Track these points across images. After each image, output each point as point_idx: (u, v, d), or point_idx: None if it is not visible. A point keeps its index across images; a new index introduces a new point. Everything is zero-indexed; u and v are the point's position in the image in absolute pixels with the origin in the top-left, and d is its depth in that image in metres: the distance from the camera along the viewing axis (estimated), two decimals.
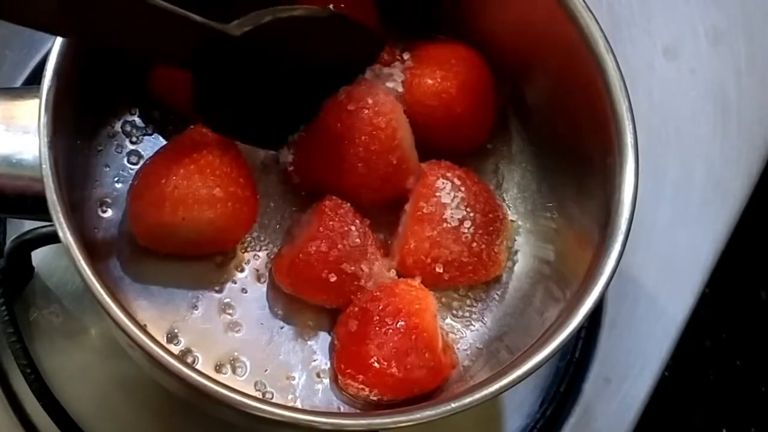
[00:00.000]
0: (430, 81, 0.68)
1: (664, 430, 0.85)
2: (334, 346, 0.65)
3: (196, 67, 0.58)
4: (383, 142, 0.65)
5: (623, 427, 0.77)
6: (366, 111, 0.64)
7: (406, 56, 0.69)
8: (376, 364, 0.62)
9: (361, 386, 0.62)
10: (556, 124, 0.67)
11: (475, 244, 0.65)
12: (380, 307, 0.63)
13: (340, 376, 0.64)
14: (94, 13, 0.52)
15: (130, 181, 0.64)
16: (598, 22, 0.62)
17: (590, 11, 0.62)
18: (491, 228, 0.66)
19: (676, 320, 0.80)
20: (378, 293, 0.64)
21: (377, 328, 0.63)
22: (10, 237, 0.70)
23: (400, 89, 0.67)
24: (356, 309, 0.64)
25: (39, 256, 0.73)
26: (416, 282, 0.65)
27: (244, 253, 0.67)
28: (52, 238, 0.66)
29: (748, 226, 0.83)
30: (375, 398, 0.62)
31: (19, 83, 0.78)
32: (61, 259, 0.74)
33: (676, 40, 0.87)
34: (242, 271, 0.66)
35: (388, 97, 0.65)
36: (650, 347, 0.79)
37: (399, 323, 0.62)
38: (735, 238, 0.82)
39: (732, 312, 0.89)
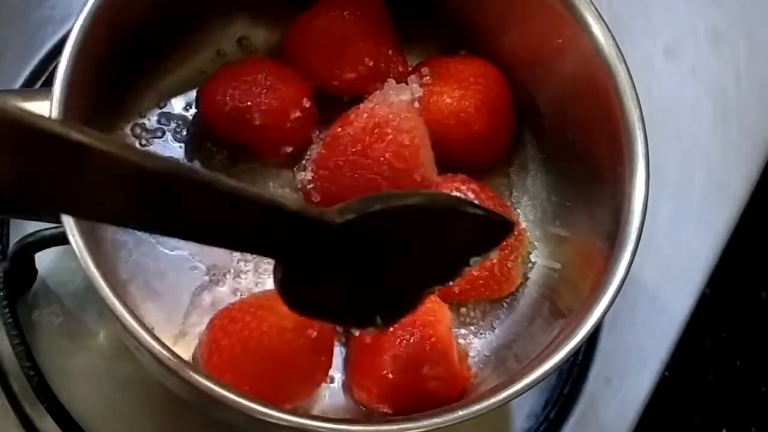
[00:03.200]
0: (448, 99, 0.68)
1: (664, 430, 0.85)
2: (348, 357, 0.65)
3: (283, 252, 0.50)
4: (408, 161, 0.64)
5: (623, 427, 0.77)
6: (390, 129, 0.64)
7: (424, 71, 0.69)
8: (390, 376, 0.62)
9: (375, 398, 0.62)
10: (567, 133, 0.68)
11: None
12: None
13: (353, 388, 0.63)
14: (176, 212, 0.44)
15: None
16: (610, 31, 0.62)
17: (603, 20, 0.62)
18: (505, 243, 0.65)
19: (676, 320, 0.80)
20: None
21: (391, 340, 0.62)
22: (14, 239, 0.70)
23: (416, 105, 0.67)
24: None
25: (40, 256, 0.72)
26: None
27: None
28: (56, 240, 0.66)
29: (748, 226, 0.83)
30: (389, 411, 0.62)
31: (19, 83, 0.77)
32: (61, 260, 0.74)
33: (676, 40, 0.87)
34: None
35: (411, 113, 0.65)
36: (650, 347, 0.79)
37: (413, 334, 0.62)
38: (735, 238, 0.82)
39: (732, 312, 0.89)
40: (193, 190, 0.43)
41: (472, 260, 0.54)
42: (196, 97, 0.70)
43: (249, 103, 0.67)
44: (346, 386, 0.65)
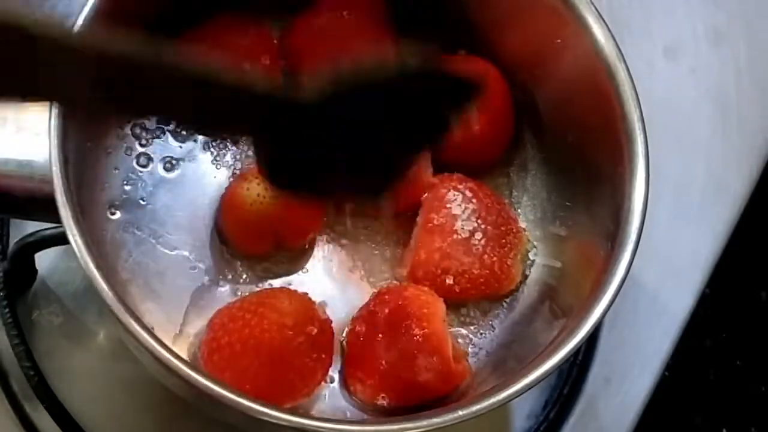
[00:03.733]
0: None
1: (664, 430, 0.85)
2: (343, 350, 0.65)
3: (258, 133, 0.52)
4: None
5: (623, 427, 0.77)
6: None
7: None
8: (384, 367, 0.62)
9: (370, 390, 0.62)
10: (567, 132, 0.68)
11: (486, 257, 0.65)
12: (388, 311, 0.63)
13: (349, 381, 0.64)
14: (155, 96, 0.48)
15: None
16: (610, 31, 0.62)
17: (603, 20, 0.62)
18: (503, 241, 0.66)
19: (676, 320, 0.80)
20: (387, 297, 0.64)
21: (385, 332, 0.62)
22: (14, 239, 0.70)
23: None
24: (365, 313, 0.64)
25: (40, 256, 0.72)
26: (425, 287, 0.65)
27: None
28: (56, 240, 0.66)
29: (748, 226, 0.83)
30: (384, 403, 0.62)
31: None
32: (61, 259, 0.74)
33: (676, 40, 0.87)
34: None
35: None
36: (650, 347, 0.79)
37: (407, 326, 0.62)
38: (735, 238, 0.82)
39: (732, 312, 0.89)
40: (163, 74, 0.46)
41: (452, 118, 0.54)
42: None
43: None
44: (343, 380, 0.65)
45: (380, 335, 0.63)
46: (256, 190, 0.64)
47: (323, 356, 0.62)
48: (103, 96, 0.47)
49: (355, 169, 0.54)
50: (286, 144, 0.52)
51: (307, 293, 0.65)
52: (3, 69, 0.44)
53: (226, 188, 0.67)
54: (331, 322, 0.64)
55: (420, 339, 0.62)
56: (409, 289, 0.64)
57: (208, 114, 0.49)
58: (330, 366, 0.64)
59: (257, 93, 0.48)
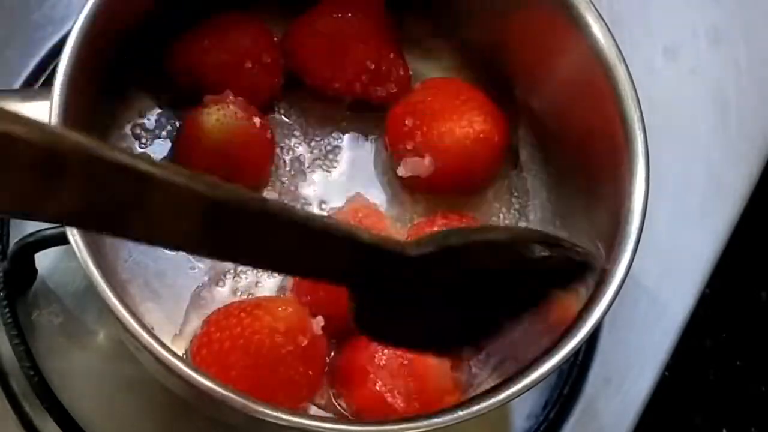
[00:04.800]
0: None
1: (664, 430, 0.85)
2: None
3: (356, 282, 0.50)
4: None
5: (623, 427, 0.77)
6: None
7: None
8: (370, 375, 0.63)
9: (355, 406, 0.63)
10: (567, 133, 0.68)
11: None
12: None
13: (338, 395, 0.64)
14: (243, 241, 0.44)
15: None
16: (610, 31, 0.62)
17: (603, 20, 0.62)
18: None
19: (677, 320, 0.80)
20: None
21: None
22: (14, 239, 0.70)
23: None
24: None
25: (40, 256, 0.72)
26: None
27: None
28: (56, 240, 0.66)
29: (748, 226, 0.83)
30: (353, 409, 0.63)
31: (19, 83, 0.77)
32: (61, 260, 0.74)
33: (676, 40, 0.87)
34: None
35: None
36: (650, 347, 0.79)
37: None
38: (735, 238, 0.82)
39: (732, 312, 0.89)
40: (261, 221, 0.43)
41: (556, 293, 0.55)
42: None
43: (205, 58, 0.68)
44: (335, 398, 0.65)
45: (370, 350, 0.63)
46: (215, 116, 0.64)
47: (310, 373, 0.62)
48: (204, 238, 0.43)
49: (447, 327, 0.54)
50: (382, 297, 0.51)
51: (305, 306, 0.65)
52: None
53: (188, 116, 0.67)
54: (325, 341, 0.64)
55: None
56: None
57: (308, 262, 0.47)
58: (317, 388, 0.63)
59: (362, 242, 0.47)
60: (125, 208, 0.39)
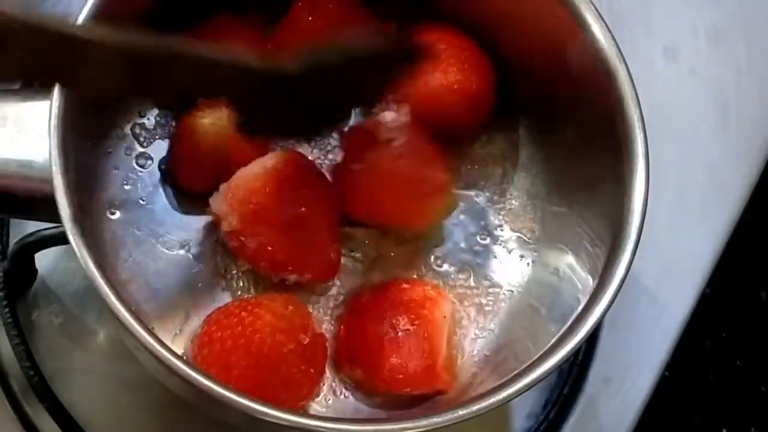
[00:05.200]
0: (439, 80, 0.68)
1: (664, 430, 0.85)
2: (338, 333, 0.66)
3: (240, 98, 0.59)
4: None
5: (623, 427, 0.77)
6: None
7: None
8: (375, 346, 0.63)
9: (356, 372, 0.63)
10: (567, 133, 0.68)
11: None
12: (392, 297, 0.64)
13: (344, 366, 0.64)
14: (164, 80, 0.55)
15: None
16: (610, 31, 0.62)
17: (603, 20, 0.62)
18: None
19: (676, 320, 0.80)
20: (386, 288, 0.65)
21: (379, 317, 0.63)
22: (14, 239, 0.70)
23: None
24: (359, 301, 0.65)
25: (40, 256, 0.72)
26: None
27: None
28: (56, 240, 0.66)
29: (748, 226, 0.83)
30: (368, 386, 0.63)
31: (19, 83, 0.77)
32: (61, 260, 0.74)
33: (676, 40, 0.87)
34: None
35: None
36: (650, 347, 0.79)
37: (403, 310, 0.63)
38: (735, 238, 0.82)
39: (732, 312, 0.89)
40: (181, 59, 0.54)
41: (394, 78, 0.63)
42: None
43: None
44: (333, 363, 0.65)
45: (376, 319, 0.64)
46: (208, 118, 0.65)
47: (312, 371, 0.62)
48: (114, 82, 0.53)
49: (307, 117, 0.63)
50: (263, 103, 0.59)
51: (306, 303, 0.65)
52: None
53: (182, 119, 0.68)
54: (326, 339, 0.64)
55: (416, 325, 0.62)
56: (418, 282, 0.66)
57: (214, 87, 0.57)
58: (318, 385, 0.63)
59: (255, 67, 0.56)
60: (70, 65, 0.51)
